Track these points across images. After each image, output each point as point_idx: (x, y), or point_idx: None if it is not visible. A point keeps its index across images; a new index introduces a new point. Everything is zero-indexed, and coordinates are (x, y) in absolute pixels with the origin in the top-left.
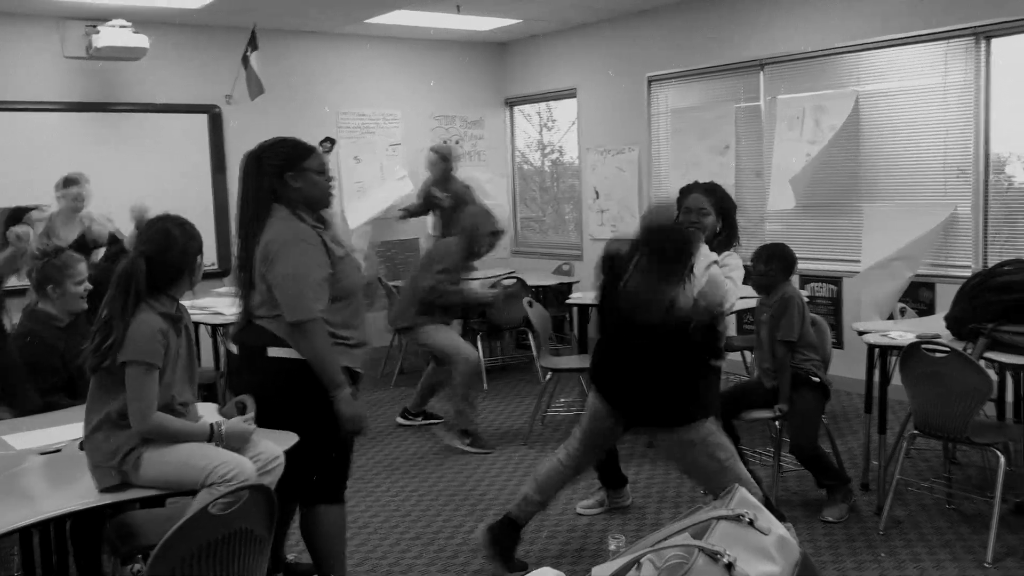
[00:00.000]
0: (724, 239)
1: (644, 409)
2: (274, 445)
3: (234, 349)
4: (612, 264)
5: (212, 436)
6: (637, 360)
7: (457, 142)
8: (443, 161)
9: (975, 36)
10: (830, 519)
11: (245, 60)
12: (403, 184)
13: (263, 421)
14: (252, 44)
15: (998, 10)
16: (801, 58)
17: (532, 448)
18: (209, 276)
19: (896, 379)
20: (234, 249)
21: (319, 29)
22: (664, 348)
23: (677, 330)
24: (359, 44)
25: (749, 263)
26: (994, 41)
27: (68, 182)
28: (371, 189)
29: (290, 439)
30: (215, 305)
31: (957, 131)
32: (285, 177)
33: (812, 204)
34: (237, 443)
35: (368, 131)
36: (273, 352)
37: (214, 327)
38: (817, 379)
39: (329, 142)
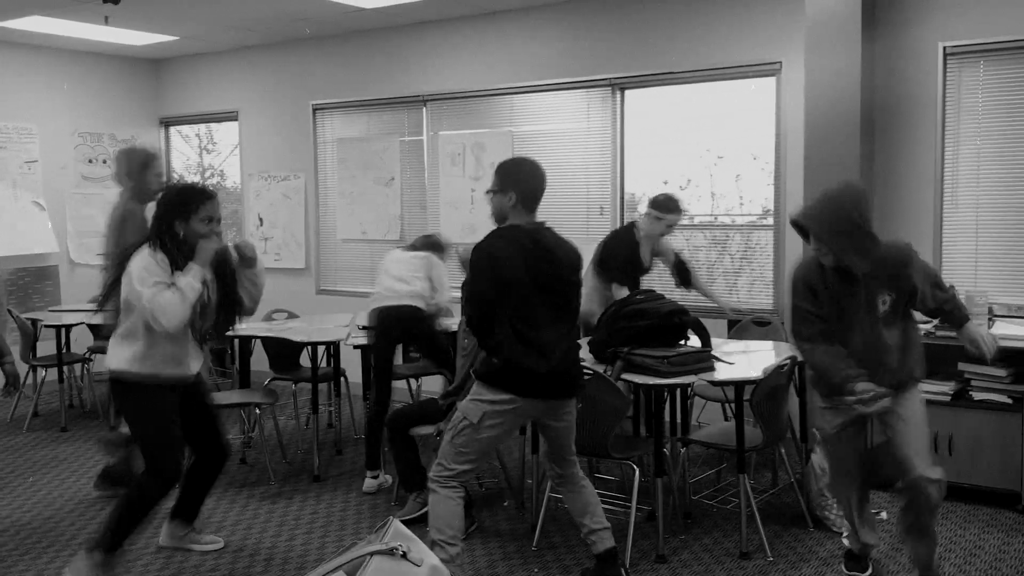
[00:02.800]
0: None
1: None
2: None
3: None
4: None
5: None
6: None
7: (104, 161)
8: None
9: (612, 87)
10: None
11: None
12: (42, 216)
13: None
14: None
15: (630, 65)
16: (461, 96)
17: None
18: None
19: None
20: None
21: None
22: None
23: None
24: None
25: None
26: (627, 92)
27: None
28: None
29: None
30: None
31: (598, 172)
32: None
33: (473, 237)
34: None
35: None
36: None
37: None
38: None
39: None
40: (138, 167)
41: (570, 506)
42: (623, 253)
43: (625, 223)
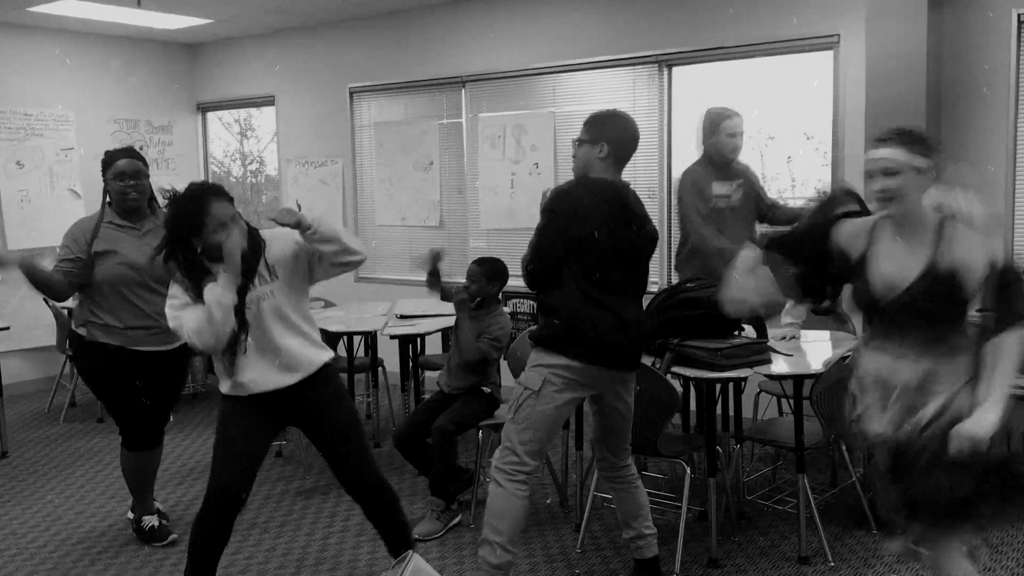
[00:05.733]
0: None
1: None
2: None
3: None
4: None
5: None
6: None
7: (142, 148)
8: None
9: (658, 64)
10: (417, 535)
11: None
12: (77, 204)
13: None
14: None
15: (677, 40)
16: (501, 77)
17: None
18: None
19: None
20: None
21: None
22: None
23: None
24: (22, 34)
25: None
26: (675, 69)
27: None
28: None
29: None
30: None
31: (645, 153)
32: (105, 179)
33: (512, 223)
34: None
35: (35, 133)
36: None
37: None
38: (488, 390)
39: None
40: (709, 128)
41: (619, 506)
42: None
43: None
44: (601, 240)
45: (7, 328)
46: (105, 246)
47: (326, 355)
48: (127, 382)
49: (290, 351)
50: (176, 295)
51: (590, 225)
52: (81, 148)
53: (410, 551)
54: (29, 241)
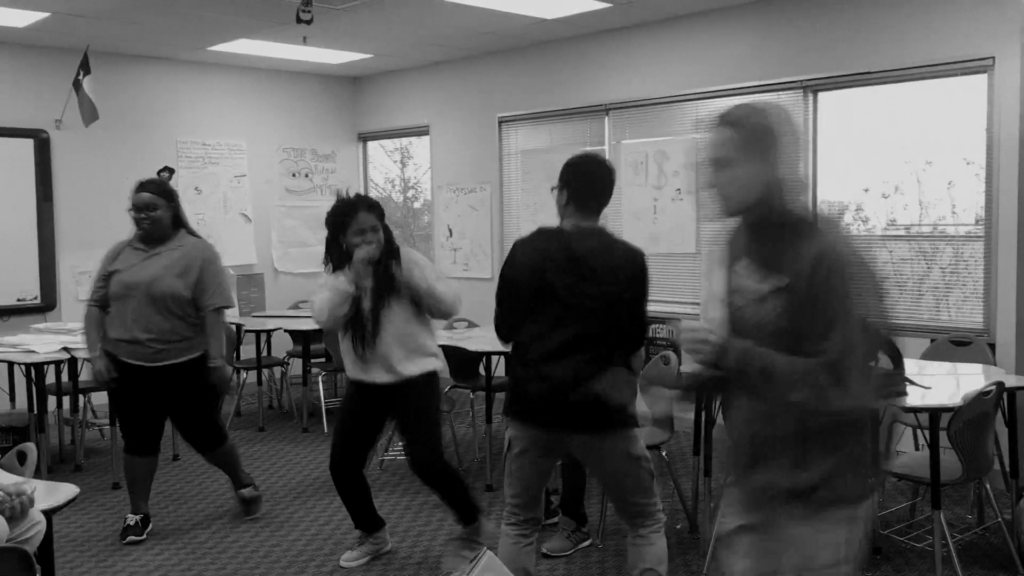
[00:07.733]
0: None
1: (597, 413)
2: (35, 510)
3: None
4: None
5: None
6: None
7: (307, 175)
8: None
9: (803, 89)
10: (546, 550)
11: (77, 84)
12: (247, 228)
13: None
14: (84, 67)
15: (823, 66)
16: (643, 104)
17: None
18: (30, 311)
19: (721, 420)
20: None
21: (159, 54)
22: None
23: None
24: (202, 71)
25: None
26: (820, 94)
27: None
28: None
29: (59, 497)
30: (29, 343)
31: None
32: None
33: (655, 248)
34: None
35: (211, 161)
36: None
37: (28, 366)
38: None
39: (167, 171)
40: None
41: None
42: None
43: None
44: (539, 291)
45: None
46: (115, 266)
47: (418, 369)
48: (122, 391)
49: (389, 358)
50: (323, 282)
51: (526, 278)
52: (252, 175)
53: (484, 548)
54: None
